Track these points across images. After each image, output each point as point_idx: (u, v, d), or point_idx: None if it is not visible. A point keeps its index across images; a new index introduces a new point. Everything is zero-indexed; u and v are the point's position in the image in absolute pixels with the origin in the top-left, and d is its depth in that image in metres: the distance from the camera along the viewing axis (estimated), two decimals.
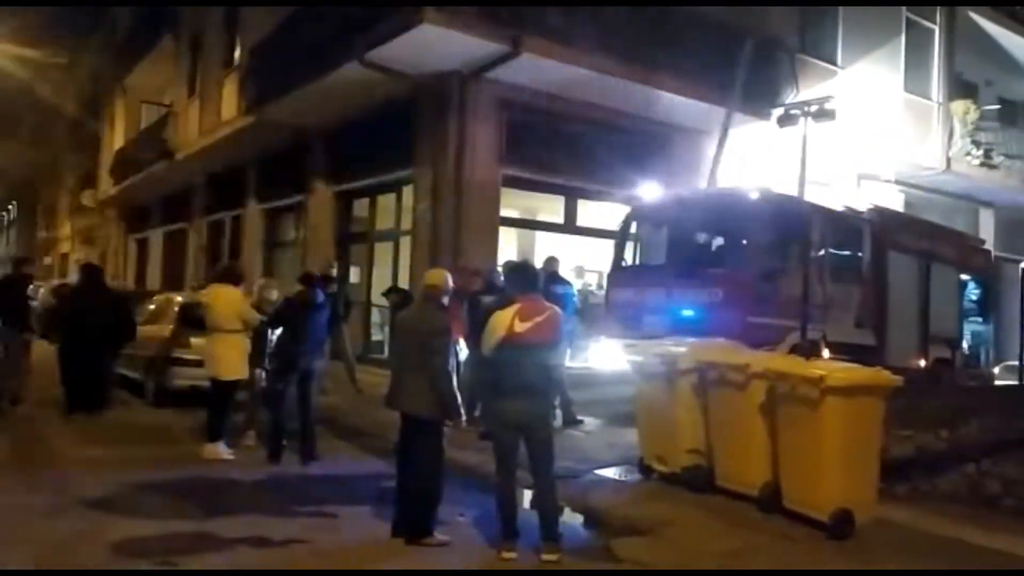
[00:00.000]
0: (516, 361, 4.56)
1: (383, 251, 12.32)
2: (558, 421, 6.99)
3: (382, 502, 5.23)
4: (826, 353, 7.25)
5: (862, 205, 9.48)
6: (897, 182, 14.82)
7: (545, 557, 4.45)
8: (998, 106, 17.12)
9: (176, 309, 9.72)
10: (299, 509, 5.39)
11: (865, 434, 4.95)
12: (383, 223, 12.38)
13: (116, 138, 24.66)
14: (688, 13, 10.81)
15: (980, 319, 11.57)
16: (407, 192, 11.28)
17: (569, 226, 11.77)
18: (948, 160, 15.08)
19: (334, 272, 9.75)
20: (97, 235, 29.19)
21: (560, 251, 9.39)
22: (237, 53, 15.23)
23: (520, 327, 4.55)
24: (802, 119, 10.24)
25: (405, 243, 11.25)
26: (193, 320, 8.27)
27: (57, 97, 29.16)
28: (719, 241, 8.73)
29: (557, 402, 6.83)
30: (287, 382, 6.79)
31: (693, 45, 10.73)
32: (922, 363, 9.33)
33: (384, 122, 11.45)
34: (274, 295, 7.51)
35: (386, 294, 8.72)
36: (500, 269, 8.13)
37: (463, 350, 5.52)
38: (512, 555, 4.49)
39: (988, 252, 12.45)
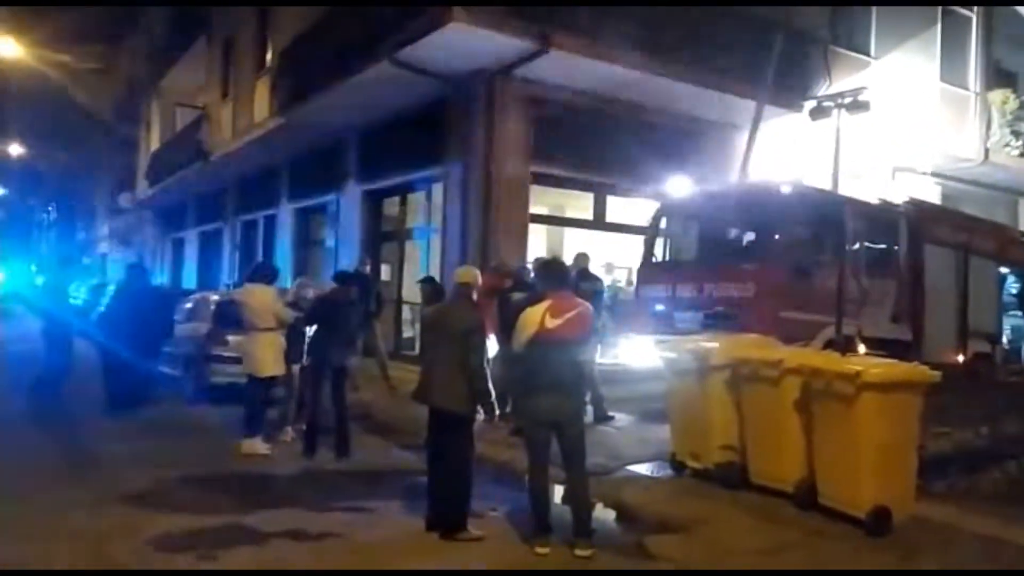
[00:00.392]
0: (547, 357, 4.58)
1: (413, 249, 12.42)
2: (589, 417, 6.99)
3: (415, 497, 5.28)
4: (861, 348, 7.14)
5: (898, 198, 9.31)
6: (933, 174, 14.52)
7: (578, 552, 4.47)
8: None
9: (212, 308, 9.91)
10: (334, 504, 5.47)
11: (902, 431, 4.89)
12: (413, 221, 12.48)
13: (152, 140, 25.15)
14: (718, 6, 10.69)
15: (1020, 313, 11.29)
16: (437, 190, 11.35)
17: (598, 222, 11.74)
18: (986, 151, 14.71)
19: (366, 270, 9.86)
20: (134, 236, 29.83)
21: (589, 247, 9.39)
22: (269, 56, 15.44)
23: (551, 323, 4.57)
24: (835, 111, 10.10)
25: (435, 240, 11.33)
26: (229, 318, 8.44)
27: (94, 101, 29.82)
28: (751, 236, 8.64)
29: (588, 398, 6.84)
30: (322, 378, 6.89)
31: (723, 38, 10.62)
32: (960, 358, 9.13)
33: (414, 121, 11.54)
34: (311, 293, 7.64)
35: (421, 283, 8.83)
36: (530, 266, 8.17)
37: (493, 346, 5.56)
38: (545, 550, 4.52)
39: None
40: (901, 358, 5.91)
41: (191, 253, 23.62)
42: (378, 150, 12.71)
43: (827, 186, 9.48)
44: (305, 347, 7.24)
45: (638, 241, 9.31)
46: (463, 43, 9.12)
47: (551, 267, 5.10)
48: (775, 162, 11.27)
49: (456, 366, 4.71)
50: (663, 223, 8.84)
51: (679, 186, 9.05)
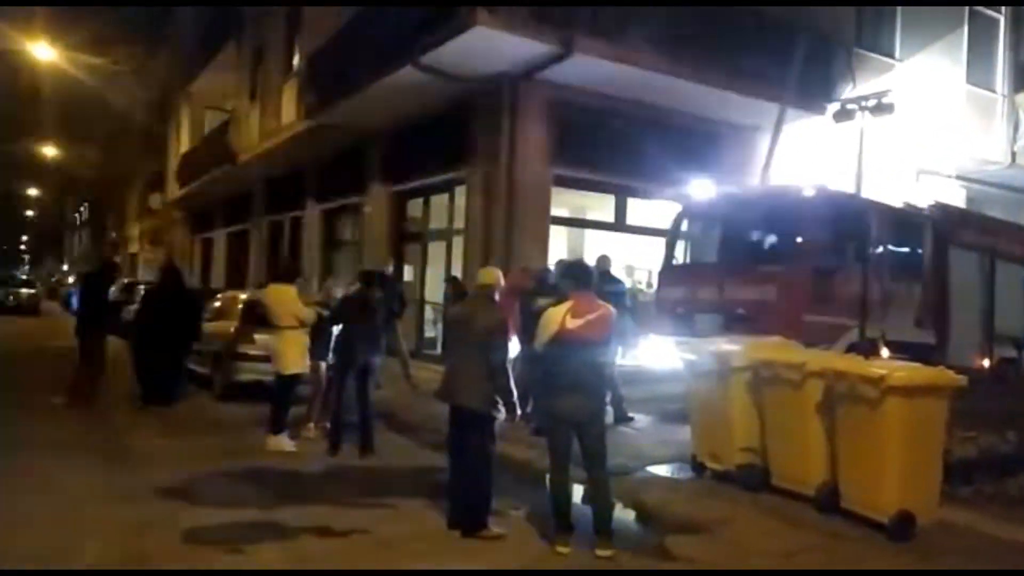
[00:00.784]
0: (567, 357, 4.64)
1: (436, 250, 12.55)
2: (609, 418, 7.03)
3: (437, 494, 5.37)
4: (885, 352, 7.11)
5: (922, 201, 9.24)
6: (958, 177, 14.35)
7: (599, 553, 4.51)
8: None
9: (240, 307, 10.10)
10: (359, 500, 5.57)
11: (927, 435, 4.88)
12: (436, 222, 12.61)
13: (182, 143, 25.62)
14: (741, 8, 10.69)
15: None
16: (460, 192, 11.46)
17: (619, 224, 11.78)
18: (1013, 154, 14.52)
19: (390, 270, 9.99)
20: (164, 236, 30.37)
21: (610, 249, 9.42)
22: (296, 60, 15.69)
23: (571, 323, 4.62)
24: (859, 114, 10.03)
25: (458, 242, 11.43)
26: (256, 317, 8.60)
27: (127, 104, 30.41)
28: (772, 239, 8.62)
29: (608, 399, 6.88)
30: (347, 377, 7.01)
31: (746, 41, 10.61)
32: (986, 363, 9.04)
33: (438, 124, 11.67)
34: (339, 292, 7.78)
35: (448, 280, 8.95)
36: (552, 267, 8.22)
37: (515, 346, 5.63)
38: (566, 550, 4.57)
39: None
40: (925, 362, 5.90)
41: (219, 253, 24.00)
42: (403, 152, 12.86)
43: (850, 189, 9.42)
44: (331, 345, 7.37)
45: (659, 243, 9.34)
46: (487, 47, 9.22)
47: (576, 269, 5.15)
48: (798, 165, 11.23)
49: (478, 365, 4.78)
50: (684, 225, 8.85)
51: (701, 188, 9.05)
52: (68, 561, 4.23)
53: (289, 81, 15.91)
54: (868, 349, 6.47)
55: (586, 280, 4.92)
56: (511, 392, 4.78)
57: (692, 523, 5.01)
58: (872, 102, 9.92)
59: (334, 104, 12.35)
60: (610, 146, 10.90)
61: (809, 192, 7.62)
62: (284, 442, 7.04)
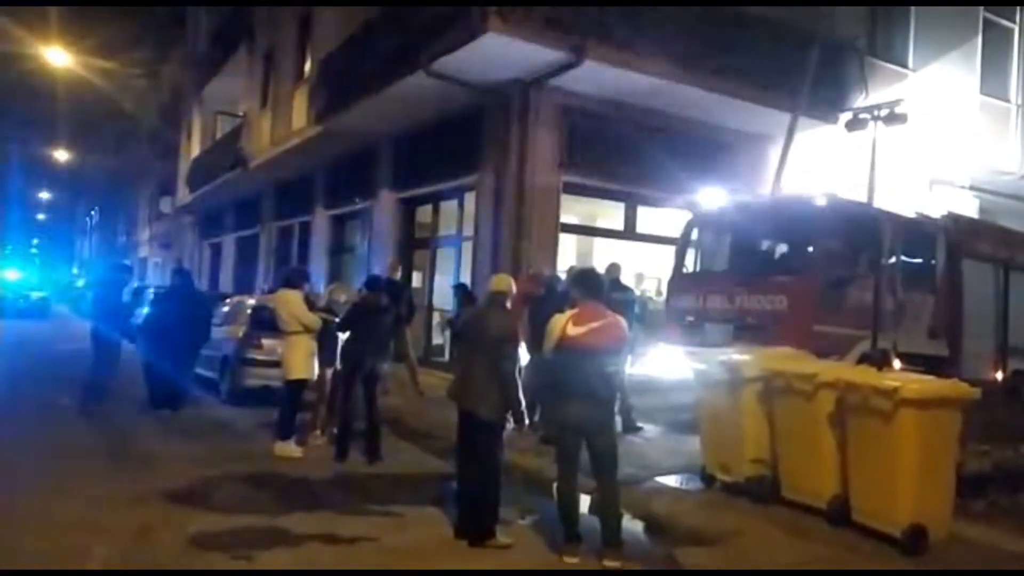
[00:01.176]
0: (572, 365, 4.61)
1: (445, 256, 12.55)
2: (618, 427, 6.99)
3: (445, 502, 5.35)
4: (897, 364, 7.04)
5: (935, 211, 9.17)
6: (972, 187, 14.25)
7: (607, 564, 4.47)
8: None
9: (248, 312, 10.11)
10: (366, 507, 5.54)
11: (941, 448, 4.82)
12: (445, 229, 12.61)
13: (193, 147, 25.76)
14: (753, 16, 10.67)
15: None
16: (469, 199, 11.46)
17: (629, 232, 11.75)
18: None
19: (398, 276, 9.99)
20: (173, 240, 30.53)
21: (619, 257, 9.39)
22: (308, 66, 15.76)
23: (573, 331, 4.60)
24: (872, 123, 9.98)
25: (467, 248, 11.43)
26: (265, 322, 8.60)
27: (139, 109, 30.65)
28: (784, 248, 8.57)
29: (617, 408, 6.84)
30: (354, 383, 7.00)
31: (758, 49, 10.58)
32: (1000, 375, 8.94)
33: (448, 130, 11.68)
34: (343, 298, 7.77)
35: (455, 287, 8.93)
36: (561, 275, 8.20)
37: (524, 354, 5.61)
38: (574, 559, 4.53)
39: None
40: (937, 374, 5.84)
41: (228, 257, 24.09)
42: (412, 158, 12.89)
43: (863, 199, 9.36)
44: (338, 351, 7.37)
45: (669, 251, 9.31)
46: (499, 53, 9.22)
47: (585, 276, 5.13)
48: (809, 174, 11.18)
49: (489, 373, 4.76)
50: (695, 234, 8.81)
51: (711, 197, 9.02)
52: (75, 564, 4.24)
53: (300, 87, 15.98)
54: (880, 360, 6.41)
55: (595, 289, 4.89)
56: (519, 402, 4.76)
57: (702, 535, 4.96)
58: (885, 112, 9.88)
59: (344, 109, 12.39)
60: (620, 153, 10.88)
61: (821, 201, 7.57)
62: (291, 448, 7.03)
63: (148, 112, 31.66)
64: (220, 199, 22.96)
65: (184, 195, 25.76)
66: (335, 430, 7.25)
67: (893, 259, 7.85)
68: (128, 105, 29.84)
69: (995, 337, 8.96)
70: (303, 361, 7.19)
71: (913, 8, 13.29)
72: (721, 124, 11.36)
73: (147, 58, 27.77)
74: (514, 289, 5.15)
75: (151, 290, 15.71)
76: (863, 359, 6.86)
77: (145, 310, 11.44)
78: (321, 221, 16.71)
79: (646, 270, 12.34)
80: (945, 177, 13.62)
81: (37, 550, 4.37)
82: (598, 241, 12.57)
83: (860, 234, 7.60)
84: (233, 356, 9.62)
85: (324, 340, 7.39)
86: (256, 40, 19.27)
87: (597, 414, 4.67)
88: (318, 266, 15.80)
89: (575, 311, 4.70)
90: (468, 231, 11.44)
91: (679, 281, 8.70)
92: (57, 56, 21.67)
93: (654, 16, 9.84)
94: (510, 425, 4.85)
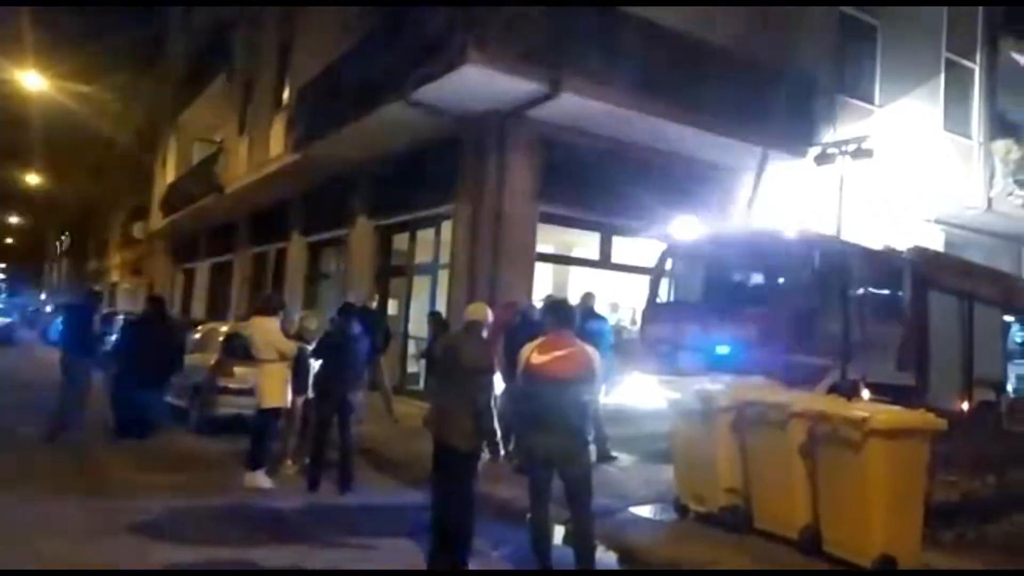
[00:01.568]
0: (538, 393, 4.62)
1: (421, 284, 12.54)
2: (592, 457, 6.98)
3: (418, 533, 5.28)
4: (866, 394, 7.15)
5: (902, 244, 9.39)
6: (937, 221, 14.64)
7: None
8: None
9: (221, 339, 9.99)
10: (337, 539, 5.47)
11: (909, 478, 4.87)
12: (422, 257, 12.62)
13: (168, 173, 25.59)
14: (725, 53, 10.94)
15: None
16: (446, 227, 11.50)
17: (604, 262, 11.85)
18: (989, 200, 14.86)
19: (374, 304, 9.95)
20: (145, 265, 30.15)
21: (595, 286, 9.46)
22: (286, 94, 15.80)
23: (537, 359, 4.63)
24: (840, 158, 10.23)
25: (443, 277, 11.44)
26: (237, 350, 8.49)
27: (114, 134, 30.41)
28: (756, 279, 8.70)
29: (591, 437, 6.84)
30: (327, 412, 6.93)
31: (729, 84, 10.83)
32: (965, 405, 9.10)
33: (425, 159, 11.75)
34: (314, 325, 7.71)
35: (430, 314, 8.90)
36: (537, 304, 8.23)
37: (500, 383, 5.60)
38: None
39: None
40: (905, 405, 5.93)
41: (201, 284, 23.83)
42: (390, 186, 12.92)
43: (831, 232, 9.56)
44: (310, 380, 7.30)
45: (643, 281, 9.40)
46: (477, 85, 9.34)
47: (556, 305, 5.16)
48: (780, 206, 11.40)
49: (464, 402, 4.74)
50: (669, 264, 8.92)
51: (685, 228, 9.16)
52: None
53: (278, 115, 16.00)
54: (850, 390, 6.50)
55: (565, 318, 4.92)
56: (494, 432, 4.75)
57: (677, 566, 4.95)
58: (852, 147, 10.14)
59: (322, 138, 12.42)
60: (596, 184, 11.02)
61: (792, 234, 7.72)
62: (260, 478, 6.90)
63: (123, 137, 31.43)
64: (195, 225, 22.78)
65: (157, 220, 25.52)
66: (307, 460, 7.15)
67: (861, 291, 8.00)
68: (103, 130, 29.60)
69: (960, 368, 9.15)
70: (277, 389, 7.10)
71: (879, 46, 13.72)
72: (695, 156, 11.56)
73: (124, 83, 27.62)
74: (490, 318, 5.17)
75: (121, 317, 15.47)
76: (833, 389, 6.96)
77: (115, 337, 11.26)
78: (297, 248, 16.63)
79: (621, 299, 12.41)
80: (911, 211, 13.97)
81: None
82: (574, 270, 12.64)
83: (829, 266, 7.74)
84: (204, 384, 9.47)
85: (296, 368, 7.31)
86: (235, 68, 19.30)
87: (564, 444, 4.62)
88: (294, 293, 15.69)
89: (541, 340, 4.73)
90: (444, 259, 11.47)
91: (653, 311, 8.78)
92: (32, 80, 21.48)
93: (629, 51, 10.05)
94: (485, 455, 4.82)
